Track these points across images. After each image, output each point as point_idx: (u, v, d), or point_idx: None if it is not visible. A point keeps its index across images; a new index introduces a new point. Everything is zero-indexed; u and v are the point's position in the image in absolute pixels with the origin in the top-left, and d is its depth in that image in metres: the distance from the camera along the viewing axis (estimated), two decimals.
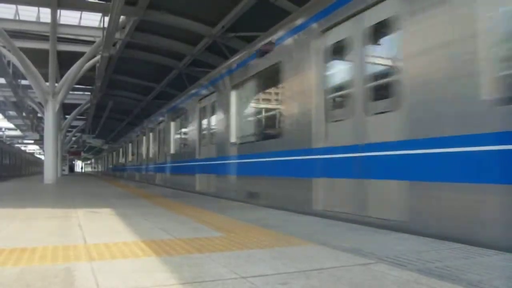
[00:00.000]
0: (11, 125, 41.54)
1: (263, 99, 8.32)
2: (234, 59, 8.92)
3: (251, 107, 8.53)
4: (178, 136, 14.25)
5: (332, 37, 5.45)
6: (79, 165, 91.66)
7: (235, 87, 8.71)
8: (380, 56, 4.94)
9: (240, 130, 8.64)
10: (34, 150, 68.67)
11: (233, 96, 8.82)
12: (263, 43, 7.37)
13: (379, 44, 4.90)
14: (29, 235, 3.65)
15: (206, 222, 4.47)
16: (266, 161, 7.05)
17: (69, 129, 34.10)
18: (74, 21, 16.76)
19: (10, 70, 18.01)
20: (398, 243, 3.22)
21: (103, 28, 12.49)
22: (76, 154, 54.59)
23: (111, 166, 39.99)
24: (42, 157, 33.44)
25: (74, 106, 26.81)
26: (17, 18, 16.43)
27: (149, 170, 18.38)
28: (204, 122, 10.88)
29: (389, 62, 4.77)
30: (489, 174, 3.33)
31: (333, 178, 5.26)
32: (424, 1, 4.01)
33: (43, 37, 15.76)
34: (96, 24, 16.24)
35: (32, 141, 45.30)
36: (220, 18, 12.01)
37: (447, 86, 3.72)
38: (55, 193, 10.60)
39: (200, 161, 10.75)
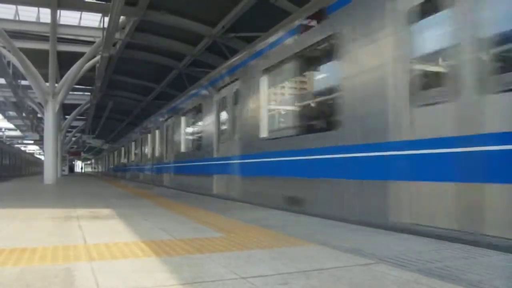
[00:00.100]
0: (11, 126, 41.56)
1: (310, 82, 6.81)
2: (264, 41, 7.52)
3: (292, 93, 7.01)
4: (190, 132, 12.92)
5: None
6: (79, 166, 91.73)
7: (268, 71, 7.32)
8: None
9: (276, 122, 7.54)
10: (34, 150, 68.67)
11: (264, 82, 7.43)
12: (309, 13, 6.07)
13: None
14: (29, 235, 3.65)
15: (206, 223, 4.47)
16: (315, 159, 5.76)
17: (69, 130, 34.10)
18: (74, 22, 16.80)
19: (10, 71, 18.03)
20: (398, 244, 3.22)
21: (103, 29, 12.50)
22: (76, 155, 54.63)
23: (112, 166, 38.59)
24: (42, 157, 33.43)
25: (74, 106, 26.82)
26: (17, 18, 16.45)
27: (156, 170, 16.99)
28: (224, 115, 9.50)
29: None
30: None
31: (433, 182, 3.93)
32: None
33: (43, 38, 15.77)
34: (96, 24, 16.27)
35: (32, 142, 45.30)
36: (220, 18, 12.02)
37: None
38: (55, 193, 10.60)
39: (219, 160, 9.44)
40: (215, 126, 9.78)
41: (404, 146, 4.21)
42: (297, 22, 6.36)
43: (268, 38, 7.37)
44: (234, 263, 2.56)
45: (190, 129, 12.90)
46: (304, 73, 6.75)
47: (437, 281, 2.15)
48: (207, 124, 10.43)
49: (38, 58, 15.73)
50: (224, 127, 9.53)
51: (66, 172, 41.74)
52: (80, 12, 16.18)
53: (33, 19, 16.61)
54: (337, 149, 5.29)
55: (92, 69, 16.75)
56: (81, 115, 29.58)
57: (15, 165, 37.97)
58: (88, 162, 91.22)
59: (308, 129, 6.35)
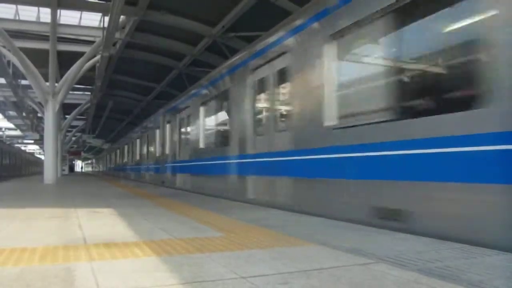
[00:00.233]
0: (11, 125, 41.55)
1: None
2: None
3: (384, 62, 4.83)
4: (212, 125, 10.86)
5: None
6: (79, 165, 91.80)
7: (340, 35, 5.33)
8: None
9: (353, 103, 5.35)
10: (34, 150, 68.70)
11: (333, 49, 5.47)
12: None
13: None
14: (29, 235, 3.65)
15: (207, 222, 4.47)
16: (432, 154, 3.90)
17: (69, 129, 34.10)
18: (74, 21, 16.79)
19: (10, 70, 18.02)
20: (398, 244, 3.22)
21: (103, 28, 12.50)
22: (76, 154, 54.62)
23: (113, 166, 36.71)
24: (42, 157, 33.44)
25: (74, 106, 26.82)
26: (17, 18, 16.45)
27: (166, 170, 14.97)
28: (262, 101, 7.75)
29: None
30: None
31: None
32: None
33: (43, 37, 15.78)
34: (96, 24, 16.25)
35: (32, 141, 45.33)
36: (220, 18, 12.01)
37: None
38: (55, 193, 10.60)
39: (256, 158, 7.50)
40: (251, 115, 7.86)
41: None
42: None
43: None
44: (234, 262, 2.56)
45: (211, 122, 10.85)
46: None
47: (438, 280, 2.15)
48: (236, 114, 8.49)
49: (38, 58, 15.73)
50: (261, 115, 7.71)
51: (66, 172, 41.72)
52: (80, 12, 16.18)
53: (33, 19, 16.61)
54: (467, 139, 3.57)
55: (92, 68, 16.75)
56: (81, 114, 29.58)
57: (15, 165, 37.97)
58: (88, 161, 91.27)
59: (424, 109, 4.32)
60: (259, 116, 7.78)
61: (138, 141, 22.21)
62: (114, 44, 14.24)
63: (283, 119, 6.99)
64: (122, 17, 11.51)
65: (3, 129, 46.78)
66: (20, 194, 10.11)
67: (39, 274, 2.28)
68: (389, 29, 4.61)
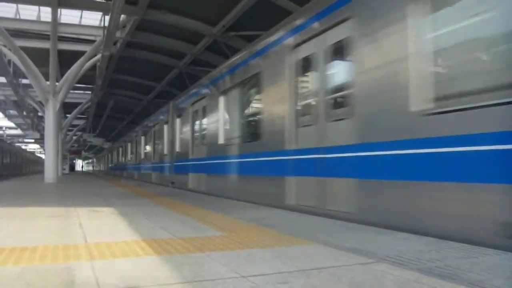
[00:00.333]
0: (12, 124, 41.58)
1: None
2: None
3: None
4: (237, 116, 9.10)
5: None
6: (79, 164, 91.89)
7: None
8: None
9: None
10: (34, 149, 68.75)
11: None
12: None
13: None
14: (30, 235, 3.66)
15: (208, 222, 4.47)
16: None
17: (70, 128, 34.12)
18: (75, 20, 16.82)
19: (11, 69, 18.04)
20: (399, 243, 3.22)
21: (104, 27, 12.51)
22: (77, 153, 54.66)
23: (116, 165, 35.21)
24: (43, 156, 33.45)
25: (74, 105, 26.84)
26: (17, 17, 16.49)
27: (176, 169, 13.43)
28: (306, 82, 6.48)
29: None
30: None
31: None
32: None
33: (43, 36, 15.80)
34: (96, 23, 16.27)
35: (33, 140, 45.33)
36: (220, 17, 12.02)
37: None
38: (56, 192, 10.61)
39: (300, 154, 6.14)
40: (290, 102, 6.49)
41: None
42: None
43: None
44: (234, 262, 2.56)
45: (236, 113, 9.15)
46: None
47: (438, 280, 2.15)
48: (270, 101, 7.19)
49: (38, 57, 15.74)
50: (306, 101, 6.34)
51: (67, 171, 41.77)
52: (80, 11, 16.20)
53: (34, 18, 16.63)
54: None
55: (93, 68, 16.76)
56: (82, 113, 29.61)
57: (16, 164, 38.00)
58: (89, 160, 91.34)
59: None
60: (302, 103, 6.36)
61: (142, 138, 20.77)
62: (115, 43, 14.25)
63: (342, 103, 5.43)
64: (122, 16, 11.50)
65: (4, 128, 46.83)
66: (21, 193, 10.11)
67: (39, 273, 2.28)
68: None
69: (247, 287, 2.05)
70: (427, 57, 4.01)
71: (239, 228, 3.97)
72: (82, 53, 16.02)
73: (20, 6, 16.00)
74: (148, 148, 19.24)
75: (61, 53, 16.36)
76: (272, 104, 7.09)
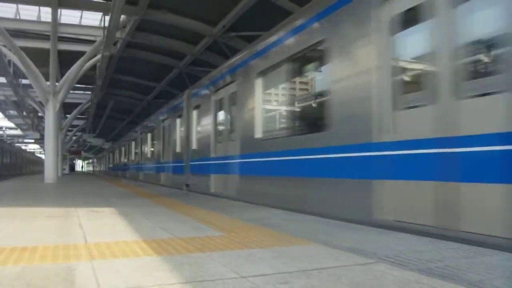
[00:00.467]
0: (12, 124, 41.60)
1: None
2: None
3: None
4: (272, 106, 7.91)
5: None
6: (79, 164, 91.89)
7: None
8: None
9: None
10: (34, 149, 68.75)
11: None
12: None
13: None
14: (30, 234, 3.65)
15: (207, 222, 4.47)
16: None
17: (70, 128, 34.13)
18: (75, 21, 16.82)
19: (11, 69, 18.04)
20: (399, 243, 3.22)
21: (104, 28, 12.52)
22: (77, 153, 54.66)
23: (118, 165, 33.41)
24: (43, 156, 33.45)
25: (74, 105, 26.85)
26: (17, 17, 16.48)
27: (193, 169, 11.52)
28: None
29: None
30: None
31: None
32: None
33: (43, 37, 15.80)
34: (96, 23, 16.27)
35: (33, 140, 45.34)
36: (220, 18, 12.02)
37: None
38: (56, 192, 10.61)
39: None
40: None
41: None
42: None
43: None
44: (234, 262, 2.56)
45: (276, 101, 7.85)
46: None
47: (438, 280, 2.15)
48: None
49: (38, 57, 15.74)
50: (395, 77, 4.39)
51: (67, 171, 41.78)
52: (81, 11, 16.20)
53: (34, 18, 16.63)
54: None
55: (93, 68, 16.76)
56: (81, 114, 29.61)
57: (16, 164, 38.01)
58: (89, 161, 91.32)
59: None
60: (396, 78, 4.38)
61: (149, 135, 18.81)
62: (115, 44, 14.25)
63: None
64: (122, 16, 11.51)
65: (4, 128, 46.85)
66: (21, 193, 10.11)
67: (39, 273, 2.28)
68: None
69: (247, 287, 2.05)
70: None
71: (239, 228, 3.97)
72: (82, 53, 16.02)
73: (20, 6, 16.01)
74: (156, 146, 17.26)
75: (61, 53, 16.36)
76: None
